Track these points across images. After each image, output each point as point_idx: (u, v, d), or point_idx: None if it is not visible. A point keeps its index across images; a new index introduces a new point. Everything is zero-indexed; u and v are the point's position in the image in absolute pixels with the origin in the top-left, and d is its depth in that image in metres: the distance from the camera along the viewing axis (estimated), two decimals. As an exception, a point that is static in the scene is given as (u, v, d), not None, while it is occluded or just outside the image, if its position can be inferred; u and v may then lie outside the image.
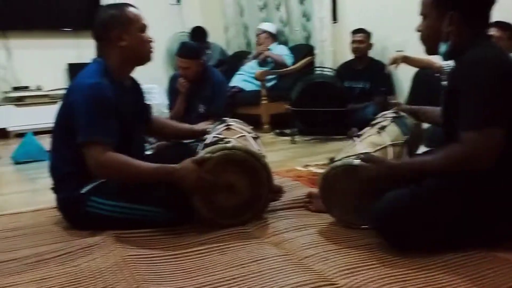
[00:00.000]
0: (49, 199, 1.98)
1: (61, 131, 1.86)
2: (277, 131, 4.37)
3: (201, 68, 3.43)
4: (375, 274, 1.32)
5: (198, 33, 5.47)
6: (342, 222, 1.73)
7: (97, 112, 1.72)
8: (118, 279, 1.37)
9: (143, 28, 1.90)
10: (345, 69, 4.30)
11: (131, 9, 1.88)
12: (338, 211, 1.74)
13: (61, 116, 1.85)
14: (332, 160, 1.72)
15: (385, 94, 4.05)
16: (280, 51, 4.90)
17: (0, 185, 3.10)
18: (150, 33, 1.94)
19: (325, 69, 4.33)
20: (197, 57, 3.41)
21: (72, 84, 1.88)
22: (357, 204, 1.66)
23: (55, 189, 1.89)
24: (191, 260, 1.50)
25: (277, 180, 2.21)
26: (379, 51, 4.25)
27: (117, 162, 1.69)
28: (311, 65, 4.69)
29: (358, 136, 1.89)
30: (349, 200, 1.69)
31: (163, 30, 5.84)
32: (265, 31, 5.02)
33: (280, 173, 2.62)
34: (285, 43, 5.17)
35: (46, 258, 1.57)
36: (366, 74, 4.15)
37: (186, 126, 2.33)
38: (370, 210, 1.50)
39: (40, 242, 1.74)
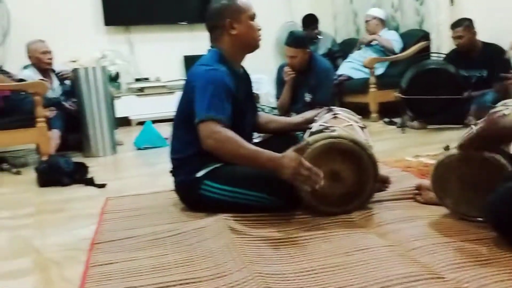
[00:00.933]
0: (167, 182, 2.13)
1: (181, 117, 1.97)
2: (386, 120, 4.25)
3: (308, 57, 3.45)
4: (487, 269, 1.25)
5: (309, 20, 5.47)
6: (456, 214, 1.66)
7: (215, 94, 1.81)
8: (227, 259, 1.44)
9: (252, 16, 1.97)
10: (457, 57, 3.97)
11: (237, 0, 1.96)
12: (452, 202, 1.66)
13: (182, 103, 1.98)
14: (447, 148, 1.66)
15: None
16: (388, 37, 4.75)
17: (123, 169, 3.39)
18: (260, 23, 2.00)
19: (441, 55, 4.11)
20: (304, 46, 3.44)
21: (191, 71, 1.99)
22: (472, 195, 1.58)
23: (174, 172, 2.03)
24: (295, 245, 1.53)
25: (385, 170, 2.17)
26: (497, 34, 3.91)
27: (227, 137, 1.75)
28: (424, 51, 4.48)
29: (476, 124, 1.79)
30: (464, 191, 1.61)
31: (273, 20, 5.93)
32: (375, 17, 4.89)
33: (388, 163, 2.56)
34: (396, 28, 4.99)
35: (162, 237, 1.69)
36: (481, 61, 3.81)
37: (289, 120, 2.37)
38: (485, 202, 1.42)
39: (158, 222, 1.88)
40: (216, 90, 1.82)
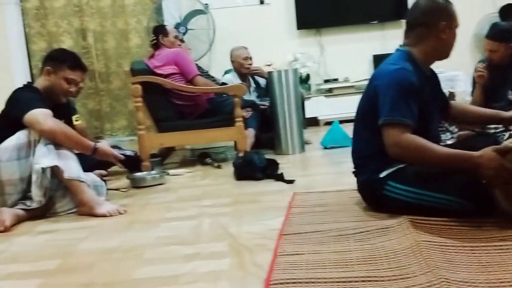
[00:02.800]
0: (351, 181, 2.15)
1: (363, 116, 1.99)
2: None
3: (510, 52, 3.13)
4: None
5: (507, 12, 4.93)
6: None
7: (400, 95, 1.78)
8: (410, 261, 1.41)
9: (458, 25, 1.89)
10: None
11: (453, 5, 1.90)
12: None
13: (364, 102, 1.98)
14: None
15: None
16: None
17: (310, 167, 3.52)
18: (459, 16, 1.92)
19: None
20: (507, 40, 3.12)
21: (377, 70, 1.98)
22: None
23: (356, 172, 2.05)
24: (488, 254, 1.42)
25: None
26: None
27: (414, 143, 1.73)
28: None
29: None
30: None
31: (472, 13, 5.51)
32: None
33: None
34: None
35: (346, 234, 1.72)
36: None
37: (492, 111, 2.18)
38: None
39: (341, 219, 1.92)
40: (402, 91, 1.78)
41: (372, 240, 1.64)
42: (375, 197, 1.93)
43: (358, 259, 1.50)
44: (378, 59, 5.65)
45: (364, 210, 2.00)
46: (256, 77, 4.50)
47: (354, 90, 5.63)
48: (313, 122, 5.62)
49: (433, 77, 2.03)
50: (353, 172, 2.06)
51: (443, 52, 1.92)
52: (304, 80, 5.83)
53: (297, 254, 1.58)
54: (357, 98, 2.05)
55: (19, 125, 2.35)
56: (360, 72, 5.81)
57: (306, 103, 4.92)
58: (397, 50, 1.96)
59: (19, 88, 2.55)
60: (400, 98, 1.78)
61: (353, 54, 5.88)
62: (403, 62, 1.86)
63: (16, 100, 2.46)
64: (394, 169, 1.85)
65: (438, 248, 1.49)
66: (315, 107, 5.59)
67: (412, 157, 1.77)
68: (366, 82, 2.00)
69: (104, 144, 2.63)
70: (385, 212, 1.88)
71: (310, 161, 3.66)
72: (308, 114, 4.97)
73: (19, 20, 5.89)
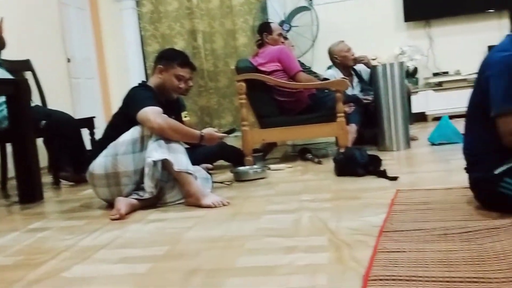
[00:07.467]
0: (461, 179, 2.04)
1: (475, 110, 1.87)
2: None
3: None
4: None
5: None
6: None
7: None
8: (523, 265, 1.31)
9: None
10: None
11: None
12: None
13: (475, 95, 1.87)
14: None
15: None
16: None
17: (415, 164, 3.38)
18: None
19: None
20: None
21: (485, 60, 1.86)
22: None
23: (468, 169, 1.94)
24: None
25: None
26: None
27: None
28: None
29: None
30: None
31: None
32: None
33: None
34: None
35: (452, 233, 1.64)
36: None
37: None
38: None
39: (448, 218, 1.82)
40: None
41: (481, 240, 1.54)
42: (489, 194, 1.82)
43: (464, 259, 1.42)
44: (494, 50, 5.28)
45: (474, 208, 1.89)
46: (358, 70, 4.41)
47: (466, 84, 5.32)
48: (421, 117, 5.39)
49: None
50: (465, 169, 1.95)
51: None
52: (411, 74, 5.62)
53: (398, 251, 1.54)
54: (469, 92, 1.93)
55: (134, 121, 2.54)
56: (473, 64, 5.32)
57: (413, 97, 4.74)
58: (508, 35, 1.83)
59: (134, 87, 2.75)
60: None
61: (466, 46, 5.55)
62: None
63: (131, 98, 2.66)
64: (511, 165, 1.73)
65: (556, 252, 1.37)
66: (423, 101, 5.37)
67: None
68: (480, 75, 1.88)
69: (209, 130, 2.75)
70: (498, 211, 1.76)
71: (416, 158, 3.52)
72: (415, 109, 4.79)
73: (136, 24, 6.34)
